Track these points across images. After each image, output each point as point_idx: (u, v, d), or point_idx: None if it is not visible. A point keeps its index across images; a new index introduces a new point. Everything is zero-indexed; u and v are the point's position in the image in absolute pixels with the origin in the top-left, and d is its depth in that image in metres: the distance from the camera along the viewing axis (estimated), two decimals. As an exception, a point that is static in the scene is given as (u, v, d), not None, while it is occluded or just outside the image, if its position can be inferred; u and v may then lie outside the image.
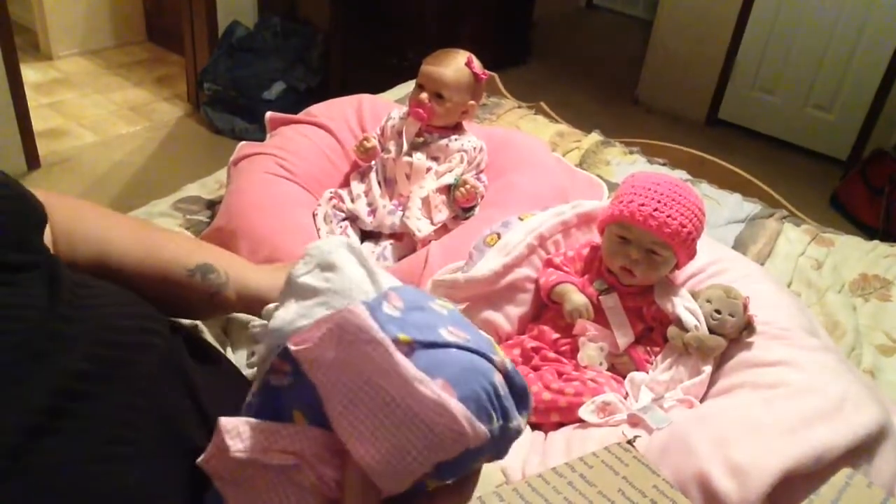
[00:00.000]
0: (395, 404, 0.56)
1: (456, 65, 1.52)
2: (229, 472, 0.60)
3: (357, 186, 1.58)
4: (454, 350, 0.59)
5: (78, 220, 0.78)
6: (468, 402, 0.56)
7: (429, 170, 1.54)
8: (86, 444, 0.56)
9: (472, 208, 1.53)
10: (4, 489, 0.50)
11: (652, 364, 1.20)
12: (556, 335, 1.22)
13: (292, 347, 0.59)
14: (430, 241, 1.45)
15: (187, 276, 0.83)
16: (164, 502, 0.61)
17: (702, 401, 1.13)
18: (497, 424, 0.59)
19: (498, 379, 0.60)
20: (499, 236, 1.30)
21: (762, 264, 1.56)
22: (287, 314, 0.64)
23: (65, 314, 0.58)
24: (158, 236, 0.89)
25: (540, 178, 1.58)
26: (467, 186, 1.50)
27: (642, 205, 1.15)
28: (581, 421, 1.09)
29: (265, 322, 0.70)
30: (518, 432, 0.63)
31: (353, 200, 1.56)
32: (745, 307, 1.15)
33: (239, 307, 0.88)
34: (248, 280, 0.88)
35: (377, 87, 2.12)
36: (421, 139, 1.56)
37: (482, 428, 0.57)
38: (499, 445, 0.63)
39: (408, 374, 0.55)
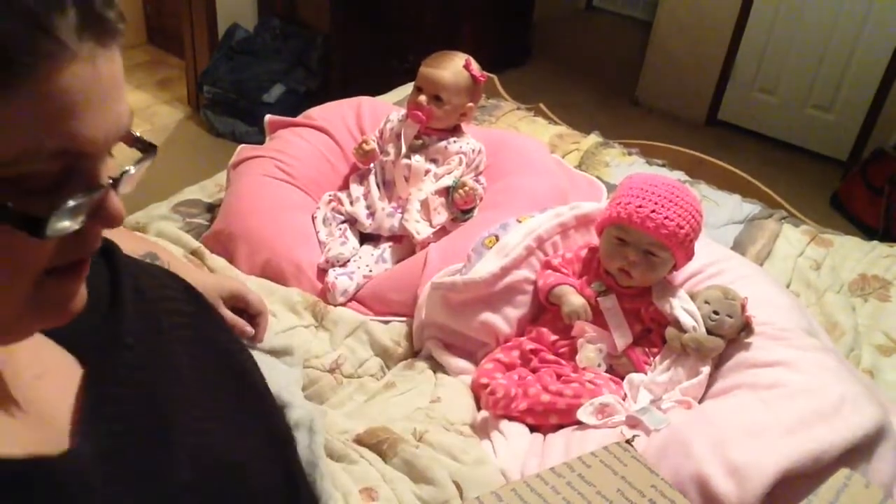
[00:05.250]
0: None
1: (454, 67, 1.52)
2: None
3: (356, 189, 1.58)
4: None
5: None
6: None
7: (427, 172, 1.54)
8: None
9: (470, 210, 1.54)
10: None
11: (650, 365, 1.20)
12: (554, 337, 1.23)
13: None
14: (429, 244, 1.46)
15: None
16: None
17: (700, 402, 1.13)
18: None
19: None
20: (497, 238, 1.30)
21: (761, 265, 1.56)
22: None
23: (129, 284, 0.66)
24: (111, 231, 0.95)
25: (539, 179, 1.58)
26: (466, 188, 1.50)
27: (640, 206, 1.16)
28: (580, 422, 1.09)
29: None
30: None
31: (352, 203, 1.56)
32: (744, 308, 1.16)
33: None
34: (183, 277, 0.94)
35: (377, 89, 2.12)
36: (420, 141, 1.56)
37: None
38: None
39: None
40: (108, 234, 0.92)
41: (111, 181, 0.48)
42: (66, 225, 0.44)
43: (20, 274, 0.45)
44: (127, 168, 0.51)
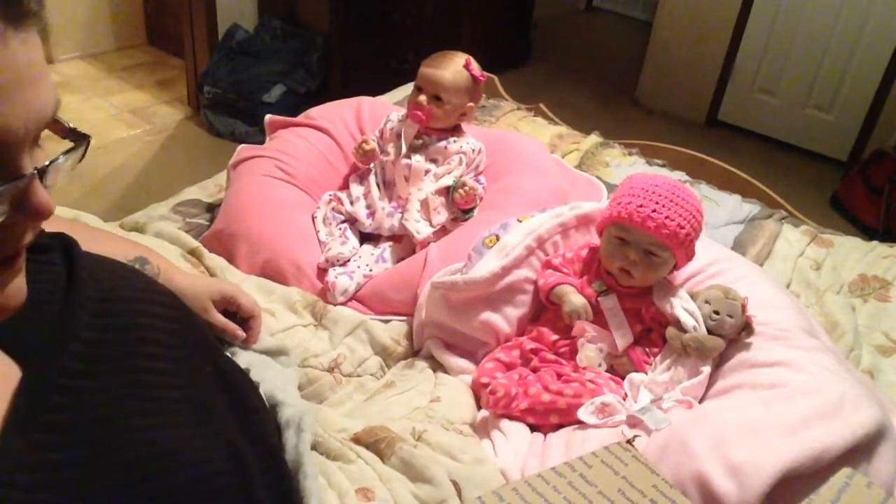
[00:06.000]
0: None
1: (454, 67, 1.52)
2: None
3: (356, 189, 1.58)
4: None
5: None
6: None
7: (427, 172, 1.54)
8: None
9: (470, 210, 1.53)
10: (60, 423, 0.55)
11: (651, 365, 1.20)
12: (555, 336, 1.22)
13: None
14: (429, 243, 1.46)
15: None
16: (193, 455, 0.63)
17: (701, 401, 1.13)
18: None
19: None
20: (497, 238, 1.30)
21: (761, 265, 1.56)
22: None
23: (81, 292, 0.63)
24: (98, 234, 0.95)
25: (539, 179, 1.58)
26: (466, 188, 1.50)
27: (640, 206, 1.16)
28: (580, 422, 1.09)
29: None
30: None
31: (352, 203, 1.56)
32: (744, 308, 1.15)
33: None
34: (174, 279, 0.93)
35: (377, 89, 2.12)
36: (420, 141, 1.56)
37: None
38: None
39: None
40: (98, 238, 0.91)
41: (36, 171, 0.46)
42: None
43: None
44: (55, 157, 0.49)
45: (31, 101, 0.43)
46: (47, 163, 0.48)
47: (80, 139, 0.52)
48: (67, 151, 0.51)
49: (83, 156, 0.52)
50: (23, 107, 0.43)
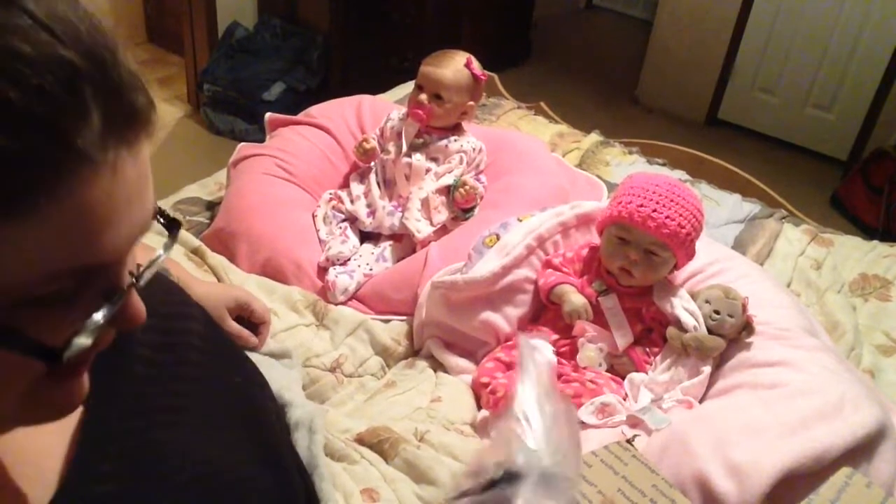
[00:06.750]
0: None
1: (455, 66, 1.52)
2: None
3: (356, 187, 1.58)
4: None
5: None
6: None
7: (428, 171, 1.54)
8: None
9: (471, 209, 1.53)
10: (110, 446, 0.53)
11: (651, 365, 1.20)
12: (555, 336, 1.22)
13: None
14: (429, 243, 1.46)
15: None
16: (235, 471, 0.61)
17: (701, 401, 1.13)
18: None
19: None
20: (498, 237, 1.30)
21: (761, 264, 1.56)
22: None
23: None
24: None
25: (539, 178, 1.58)
26: (467, 187, 1.50)
27: (641, 206, 1.16)
28: (580, 422, 1.09)
29: None
30: None
31: (352, 201, 1.56)
32: (744, 307, 1.16)
33: None
34: (191, 287, 0.92)
35: (377, 87, 2.12)
36: (420, 140, 1.56)
37: None
38: None
39: None
40: None
41: (133, 278, 0.42)
42: (84, 343, 0.39)
43: (10, 384, 0.39)
44: (152, 260, 0.45)
45: (137, 215, 0.40)
46: (146, 266, 0.45)
47: (172, 226, 0.48)
48: (166, 247, 0.47)
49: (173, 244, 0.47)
50: (130, 224, 0.40)
